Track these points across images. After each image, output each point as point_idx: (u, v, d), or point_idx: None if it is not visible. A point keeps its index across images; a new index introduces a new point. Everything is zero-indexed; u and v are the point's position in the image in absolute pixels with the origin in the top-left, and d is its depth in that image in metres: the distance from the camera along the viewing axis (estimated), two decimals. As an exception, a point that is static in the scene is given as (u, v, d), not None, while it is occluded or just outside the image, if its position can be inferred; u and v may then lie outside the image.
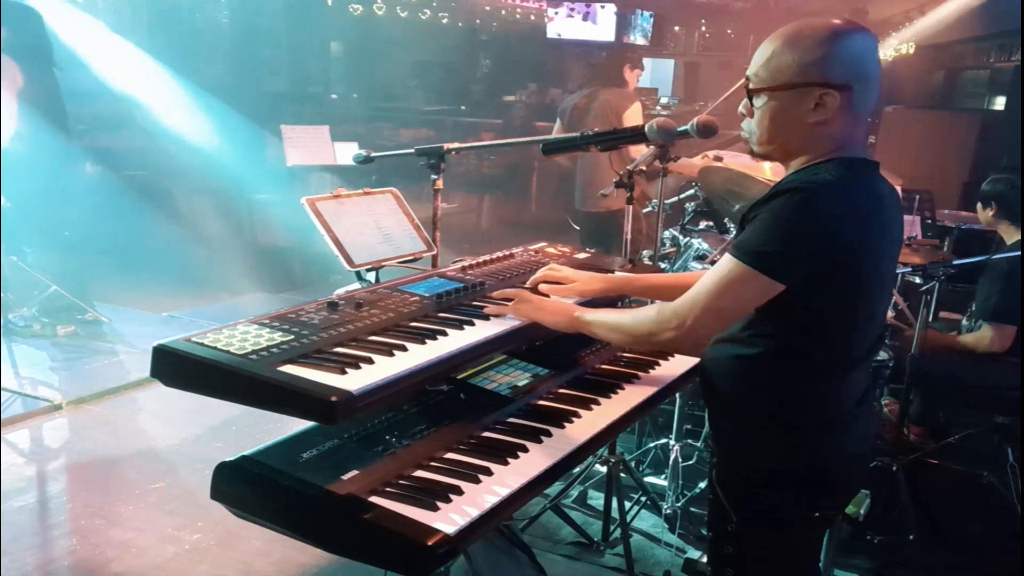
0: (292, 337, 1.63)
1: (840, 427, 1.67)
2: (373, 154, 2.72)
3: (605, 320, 1.79)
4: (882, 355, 3.25)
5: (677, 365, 2.27)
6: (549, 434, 1.80)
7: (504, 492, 1.55)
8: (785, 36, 1.60)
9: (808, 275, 1.52)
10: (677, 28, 11.62)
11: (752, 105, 1.65)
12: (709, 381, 1.78)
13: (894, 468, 3.19)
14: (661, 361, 2.27)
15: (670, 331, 1.62)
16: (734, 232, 3.71)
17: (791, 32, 1.60)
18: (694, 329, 1.60)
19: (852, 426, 1.70)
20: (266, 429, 3.37)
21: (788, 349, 1.62)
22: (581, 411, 1.92)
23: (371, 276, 2.48)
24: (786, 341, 1.62)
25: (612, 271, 2.39)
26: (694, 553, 2.99)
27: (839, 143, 1.60)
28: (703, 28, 11.58)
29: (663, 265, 3.75)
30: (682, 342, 1.65)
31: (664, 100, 10.58)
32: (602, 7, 10.15)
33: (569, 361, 2.17)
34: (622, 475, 3.12)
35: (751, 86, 1.64)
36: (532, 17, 11.05)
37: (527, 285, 2.12)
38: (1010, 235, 3.58)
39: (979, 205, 3.69)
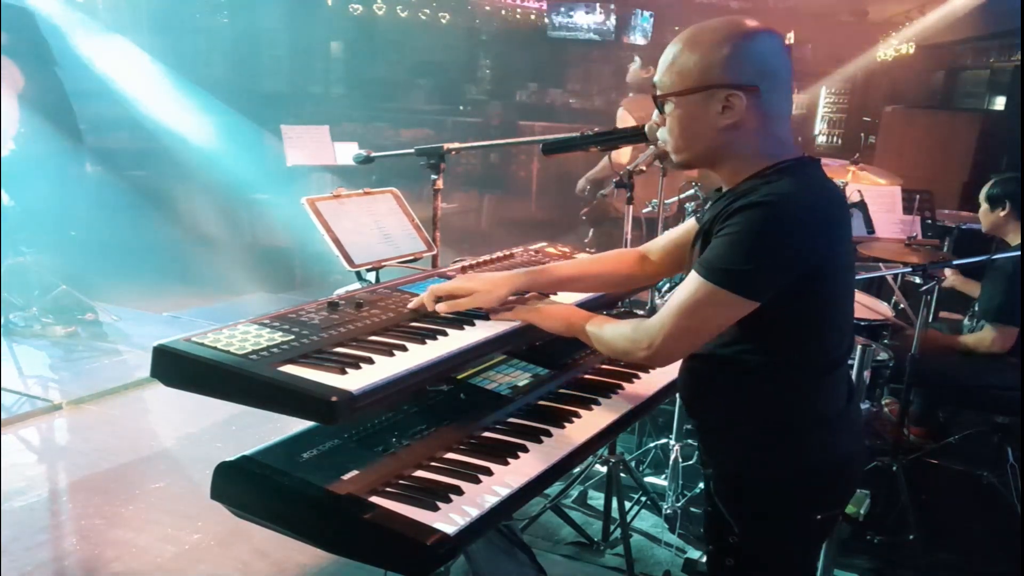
0: (292, 337, 1.63)
1: (835, 425, 1.66)
2: (373, 154, 2.72)
3: (593, 329, 1.72)
4: (882, 355, 3.25)
5: (677, 365, 2.26)
6: (549, 434, 1.80)
7: (504, 492, 1.56)
8: (686, 39, 1.55)
9: (782, 289, 1.49)
10: (677, 28, 11.64)
11: (663, 113, 1.61)
12: (695, 396, 1.73)
13: (894, 468, 3.19)
14: (661, 361, 2.27)
15: (641, 351, 1.58)
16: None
17: (692, 34, 1.55)
18: (664, 350, 1.56)
19: (846, 423, 1.69)
20: (266, 429, 3.35)
21: (771, 359, 1.58)
22: (581, 411, 1.92)
23: (371, 276, 2.48)
24: (768, 351, 1.58)
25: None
26: (694, 553, 2.98)
27: (768, 146, 1.55)
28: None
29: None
30: (654, 362, 1.63)
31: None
32: (603, 7, 10.16)
33: (570, 361, 2.17)
34: (622, 475, 3.12)
35: (657, 93, 1.60)
36: (532, 17, 11.05)
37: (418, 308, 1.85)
38: (1014, 237, 3.55)
39: (986, 207, 3.58)
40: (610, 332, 1.68)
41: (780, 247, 1.47)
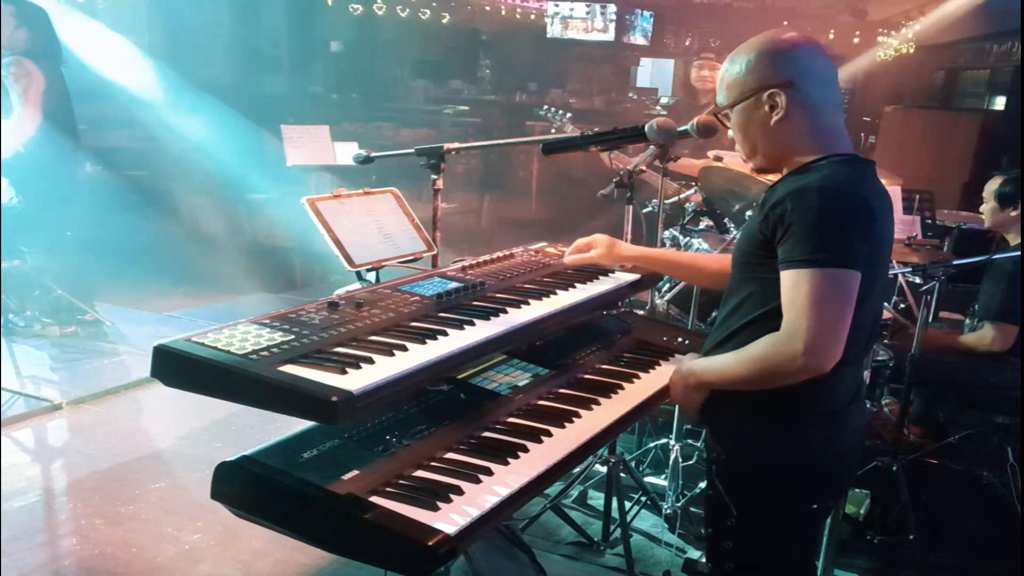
0: (292, 337, 1.63)
1: (836, 422, 1.73)
2: (373, 154, 2.72)
3: (717, 369, 1.73)
4: (882, 355, 3.25)
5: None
6: (549, 434, 1.80)
7: (504, 492, 1.55)
8: (730, 57, 1.75)
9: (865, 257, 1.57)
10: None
11: (726, 127, 1.79)
12: None
13: (894, 468, 3.18)
14: (661, 362, 2.27)
15: (798, 356, 1.54)
16: (735, 232, 3.71)
17: (734, 52, 1.75)
18: (817, 344, 1.53)
19: (847, 421, 1.76)
20: (266, 429, 3.37)
21: None
22: (581, 411, 1.92)
23: (371, 276, 2.48)
24: None
25: (612, 271, 2.39)
26: (694, 553, 2.99)
27: (819, 138, 1.69)
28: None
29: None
30: (816, 359, 1.54)
31: (664, 100, 10.58)
32: (602, 7, 10.16)
33: (570, 361, 2.17)
34: (622, 475, 3.12)
35: (719, 111, 1.78)
36: (532, 17, 11.04)
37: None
38: (1015, 236, 3.53)
39: (995, 204, 3.51)
40: (744, 358, 1.65)
41: (849, 221, 1.56)
